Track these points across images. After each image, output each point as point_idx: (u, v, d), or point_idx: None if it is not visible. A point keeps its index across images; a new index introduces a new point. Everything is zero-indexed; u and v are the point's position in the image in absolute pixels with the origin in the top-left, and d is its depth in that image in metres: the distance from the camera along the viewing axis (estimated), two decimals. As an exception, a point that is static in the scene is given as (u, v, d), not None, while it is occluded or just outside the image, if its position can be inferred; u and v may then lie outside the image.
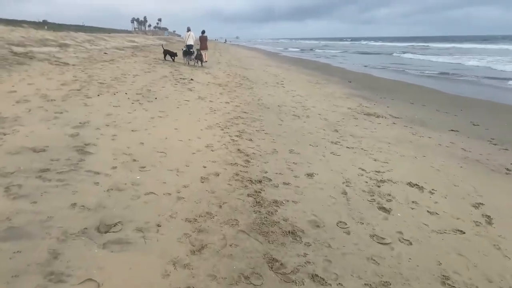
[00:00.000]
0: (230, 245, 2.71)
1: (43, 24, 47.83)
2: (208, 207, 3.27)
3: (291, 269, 2.50)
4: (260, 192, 3.70)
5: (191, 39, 16.70)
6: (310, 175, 4.28)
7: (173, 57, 17.12)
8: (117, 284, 2.19)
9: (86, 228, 2.68)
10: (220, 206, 3.31)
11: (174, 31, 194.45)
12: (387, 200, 3.77)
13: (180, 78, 11.42)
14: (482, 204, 3.89)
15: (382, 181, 4.28)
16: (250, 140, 5.51)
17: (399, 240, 3.04)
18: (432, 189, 4.15)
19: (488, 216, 3.62)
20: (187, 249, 2.60)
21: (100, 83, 8.76)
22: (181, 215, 3.06)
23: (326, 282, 2.42)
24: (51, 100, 6.43)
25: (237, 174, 4.11)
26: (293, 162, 4.67)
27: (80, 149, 4.26)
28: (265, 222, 3.10)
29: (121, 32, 71.36)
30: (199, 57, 16.27)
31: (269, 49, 56.90)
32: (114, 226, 2.75)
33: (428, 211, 3.61)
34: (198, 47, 16.84)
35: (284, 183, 3.98)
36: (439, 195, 4.04)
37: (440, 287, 2.51)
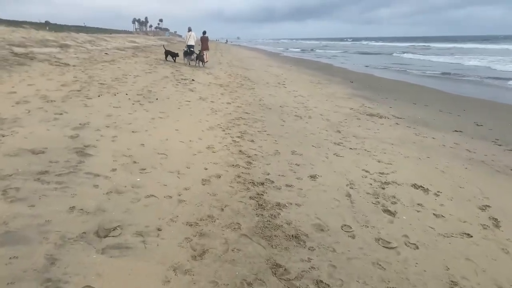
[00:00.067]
0: (232, 250, 2.64)
1: (45, 25, 47.88)
2: (209, 210, 3.20)
3: (295, 275, 2.43)
4: (262, 194, 3.63)
5: (192, 39, 16.62)
6: (313, 177, 4.21)
7: (174, 58, 17.07)
8: (116, 291, 2.12)
9: (85, 233, 2.61)
10: (222, 209, 3.24)
11: (175, 32, 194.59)
12: (392, 203, 3.70)
13: (181, 79, 11.37)
14: (488, 206, 3.82)
15: (387, 183, 4.21)
16: (252, 141, 5.45)
17: (405, 244, 2.97)
18: (438, 191, 4.08)
19: (495, 219, 3.54)
20: (188, 254, 2.53)
21: (101, 83, 8.70)
22: (182, 219, 2.99)
23: (331, 289, 2.35)
24: (51, 101, 6.38)
25: (239, 176, 4.04)
26: (296, 164, 4.60)
27: (79, 150, 4.20)
28: (268, 225, 3.03)
29: (122, 33, 71.41)
30: (200, 58, 16.21)
31: (270, 50, 56.83)
32: (113, 230, 2.69)
33: (434, 213, 3.54)
34: (200, 48, 16.78)
35: (287, 185, 3.91)
36: (445, 197, 3.96)
37: (449, 293, 2.44)
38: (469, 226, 3.37)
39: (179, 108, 7.20)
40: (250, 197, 3.53)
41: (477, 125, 7.72)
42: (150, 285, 2.20)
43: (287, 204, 3.46)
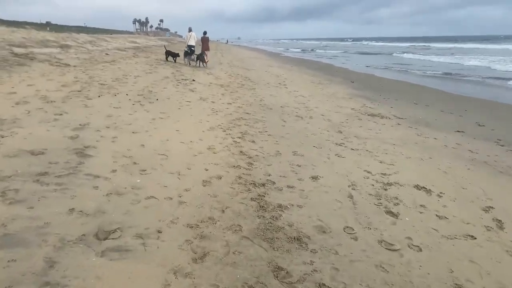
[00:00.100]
0: (234, 253, 2.61)
1: (46, 26, 47.90)
2: (210, 212, 3.17)
3: (297, 278, 2.40)
4: (263, 196, 3.59)
5: (193, 39, 16.56)
6: (314, 178, 4.18)
7: (174, 58, 17.05)
8: (116, 294, 2.09)
9: (84, 235, 2.58)
10: (223, 211, 3.21)
11: (176, 32, 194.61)
12: (394, 204, 3.66)
13: (182, 79, 11.34)
14: (492, 207, 3.78)
15: (389, 184, 4.17)
16: (253, 141, 5.41)
17: (409, 246, 2.93)
18: (440, 192, 4.04)
19: (499, 220, 3.50)
20: (189, 256, 2.50)
21: (101, 84, 8.68)
22: (182, 221, 2.96)
23: (334, 292, 2.31)
24: (51, 101, 6.35)
25: (240, 177, 4.01)
26: (297, 165, 4.56)
27: (79, 151, 4.17)
28: (269, 227, 3.00)
29: (123, 33, 71.45)
30: (201, 58, 16.17)
31: (271, 50, 56.81)
32: (113, 232, 2.66)
33: (437, 215, 3.50)
34: (200, 49, 16.75)
35: (288, 187, 3.87)
36: (448, 198, 3.92)
37: (453, 296, 2.40)
38: (473, 227, 3.33)
39: (179, 109, 7.17)
40: (251, 199, 3.50)
41: (479, 125, 7.68)
42: (150, 288, 2.16)
43: (288, 206, 3.42)
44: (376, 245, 2.90)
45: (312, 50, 56.42)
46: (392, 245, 2.92)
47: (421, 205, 3.68)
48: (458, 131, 7.09)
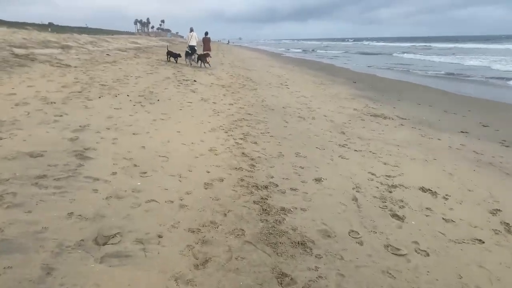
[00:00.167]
0: (236, 258, 2.53)
1: (48, 26, 47.96)
2: (212, 215, 3.10)
3: (302, 285, 2.33)
4: (266, 198, 3.52)
5: (194, 40, 16.49)
6: (318, 180, 4.10)
7: (176, 58, 17.00)
8: (115, 303, 2.02)
9: (83, 240, 2.51)
10: (225, 215, 3.14)
11: (177, 33, 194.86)
12: (399, 207, 3.59)
13: (183, 80, 11.28)
14: (499, 210, 3.69)
15: (394, 186, 4.10)
16: (255, 143, 5.34)
17: (415, 251, 2.85)
18: (446, 195, 3.96)
19: (507, 223, 3.42)
20: (190, 262, 2.43)
21: (102, 85, 8.63)
22: (183, 225, 2.89)
23: (340, 299, 2.24)
24: (51, 102, 6.30)
25: (242, 180, 3.94)
26: (300, 166, 4.49)
27: (79, 153, 4.11)
28: (272, 232, 2.92)
29: (124, 34, 71.50)
30: (202, 59, 16.10)
31: (272, 50, 56.73)
32: (113, 237, 2.59)
33: (443, 218, 3.43)
34: (202, 49, 16.69)
35: (292, 189, 3.80)
36: (454, 200, 3.85)
37: (463, 304, 2.33)
38: (481, 231, 3.25)
39: (180, 110, 7.10)
40: (254, 202, 3.43)
41: (483, 126, 7.59)
42: (150, 296, 2.10)
43: (292, 209, 3.35)
44: (382, 250, 2.83)
45: (313, 50, 56.33)
46: (399, 249, 2.85)
47: (427, 208, 3.60)
48: (462, 132, 7.01)
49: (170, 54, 17.31)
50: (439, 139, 6.37)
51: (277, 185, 3.87)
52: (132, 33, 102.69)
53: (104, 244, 2.50)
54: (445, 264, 2.72)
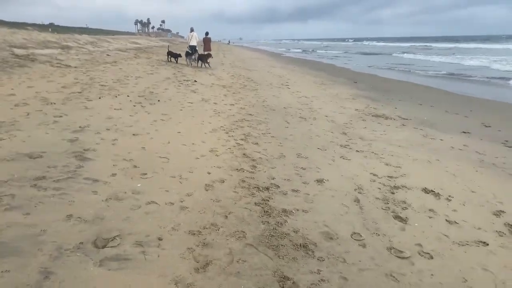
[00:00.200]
0: (237, 261, 2.50)
1: (48, 27, 47.96)
2: (213, 217, 3.06)
3: (304, 289, 2.29)
4: (268, 200, 3.48)
5: (194, 40, 16.47)
6: (320, 181, 4.07)
7: (176, 59, 16.98)
8: (114, 307, 1.99)
9: (82, 243, 2.48)
10: (226, 217, 3.10)
11: (178, 33, 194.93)
12: (402, 208, 3.55)
13: (184, 80, 11.25)
14: (503, 212, 3.65)
15: (396, 187, 4.06)
16: (256, 144, 5.31)
17: (419, 253, 2.81)
18: (449, 196, 3.92)
19: (511, 225, 3.38)
20: (191, 266, 2.39)
21: (102, 85, 8.60)
22: (184, 227, 2.85)
23: (343, 304, 2.20)
24: (51, 103, 6.27)
25: (243, 181, 3.90)
26: (302, 167, 4.45)
27: (79, 155, 4.07)
28: (274, 234, 2.89)
29: (125, 34, 71.53)
30: (202, 59, 16.07)
31: (272, 50, 56.69)
32: (112, 240, 2.55)
33: (447, 220, 3.38)
34: (202, 49, 16.66)
35: (293, 190, 3.76)
36: (457, 202, 3.80)
37: (468, 308, 2.29)
38: (485, 233, 3.21)
39: (181, 110, 7.07)
40: (255, 203, 3.39)
41: (485, 126, 7.54)
42: (150, 300, 2.06)
43: (293, 211, 3.31)
44: (385, 253, 2.79)
45: (313, 50, 56.26)
46: (402, 252, 2.81)
47: (430, 210, 3.56)
48: (464, 132, 6.96)
49: (170, 54, 17.29)
50: (441, 140, 6.32)
51: (278, 187, 3.83)
52: (133, 34, 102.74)
53: (104, 247, 2.47)
54: (449, 267, 2.67)
